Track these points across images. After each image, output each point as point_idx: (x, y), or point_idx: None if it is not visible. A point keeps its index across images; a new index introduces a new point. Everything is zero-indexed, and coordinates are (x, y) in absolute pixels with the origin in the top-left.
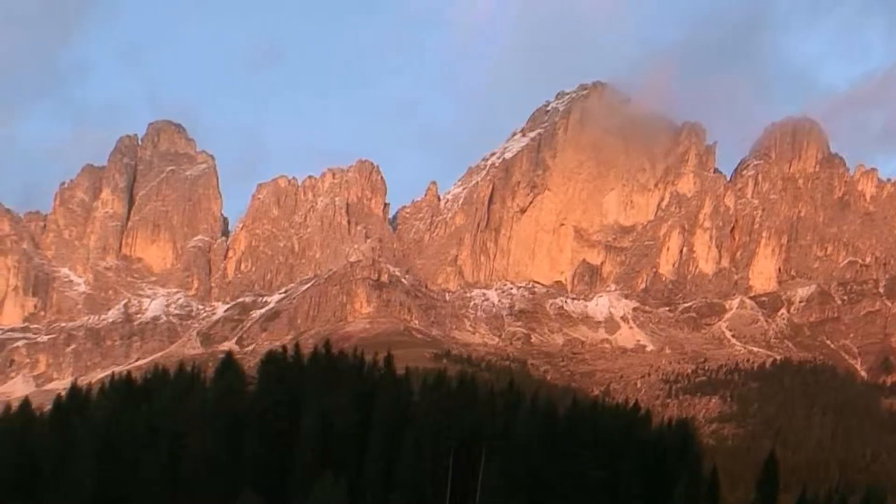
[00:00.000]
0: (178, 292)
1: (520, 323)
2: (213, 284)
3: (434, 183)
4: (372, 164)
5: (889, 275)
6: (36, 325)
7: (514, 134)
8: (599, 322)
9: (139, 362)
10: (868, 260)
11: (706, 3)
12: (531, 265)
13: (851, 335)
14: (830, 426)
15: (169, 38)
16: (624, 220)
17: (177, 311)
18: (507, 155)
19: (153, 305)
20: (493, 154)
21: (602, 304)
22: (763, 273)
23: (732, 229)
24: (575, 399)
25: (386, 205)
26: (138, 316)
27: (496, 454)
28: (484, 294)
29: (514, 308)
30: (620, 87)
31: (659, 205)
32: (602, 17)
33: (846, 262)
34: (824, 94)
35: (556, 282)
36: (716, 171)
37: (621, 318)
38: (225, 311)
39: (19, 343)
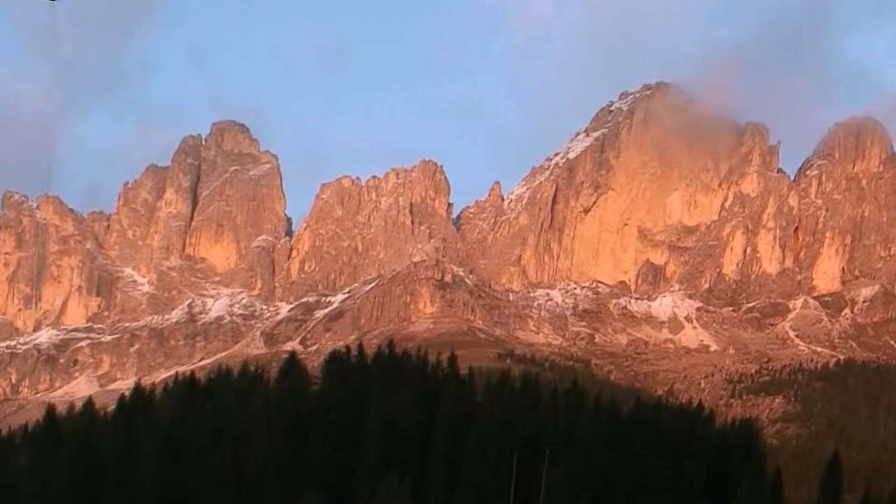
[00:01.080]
0: (241, 292)
1: (583, 323)
2: (276, 284)
3: (498, 183)
4: (436, 163)
5: None
6: (100, 325)
7: (578, 134)
8: (663, 322)
9: (203, 362)
10: None
11: (770, 3)
12: (595, 265)
13: None
14: (894, 426)
15: (233, 37)
16: (688, 220)
17: (240, 311)
18: (571, 155)
19: (217, 305)
20: (556, 154)
21: (666, 304)
22: (827, 273)
23: (796, 229)
24: (638, 399)
25: (450, 205)
26: (202, 316)
27: (560, 454)
28: (548, 294)
29: (577, 308)
30: (684, 87)
31: (723, 205)
32: (666, 16)
33: None
34: (888, 94)
35: (620, 282)
36: (779, 171)
37: (685, 318)
38: (289, 311)
39: (83, 343)
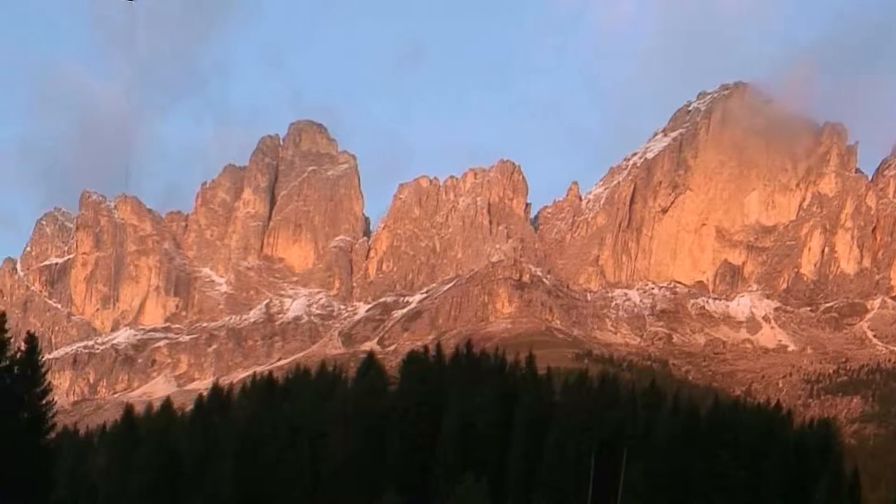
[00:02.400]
0: (319, 292)
1: (661, 323)
2: (354, 284)
3: (576, 183)
4: (514, 163)
5: None
6: (177, 325)
7: (656, 134)
8: (741, 322)
9: (281, 362)
10: None
11: (848, 3)
12: (673, 265)
13: None
14: None
15: (311, 38)
16: (765, 220)
17: (318, 311)
18: (649, 155)
19: (295, 305)
20: (634, 154)
21: (744, 304)
22: None
23: (874, 229)
24: (716, 399)
25: (527, 205)
26: (280, 316)
27: (638, 454)
28: (625, 294)
29: (655, 308)
30: (762, 87)
31: (800, 205)
32: (744, 16)
33: None
34: None
35: (698, 282)
36: (857, 171)
37: (763, 318)
38: (367, 311)
39: (161, 343)
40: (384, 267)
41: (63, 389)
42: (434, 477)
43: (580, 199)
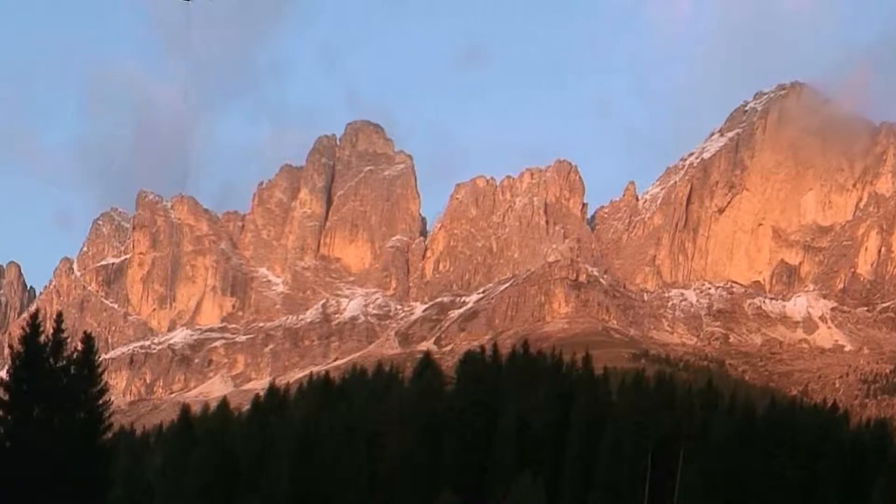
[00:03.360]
0: (376, 292)
1: (718, 323)
2: (411, 284)
3: (632, 183)
4: (570, 163)
5: None
6: (234, 325)
7: (713, 134)
8: (797, 322)
9: (337, 362)
10: None
11: None
12: (729, 265)
13: None
14: None
15: (367, 37)
16: (822, 220)
17: (375, 311)
18: (706, 155)
19: (351, 305)
20: (691, 154)
21: (800, 304)
22: None
23: None
24: (773, 399)
25: (584, 205)
26: (336, 316)
27: (694, 454)
28: (682, 294)
29: (712, 308)
30: (819, 87)
31: (857, 205)
32: (801, 17)
33: None
34: None
35: (755, 282)
36: None
37: (819, 318)
38: (423, 311)
39: (217, 343)
40: (441, 267)
41: (120, 389)
42: (490, 477)
43: (637, 199)
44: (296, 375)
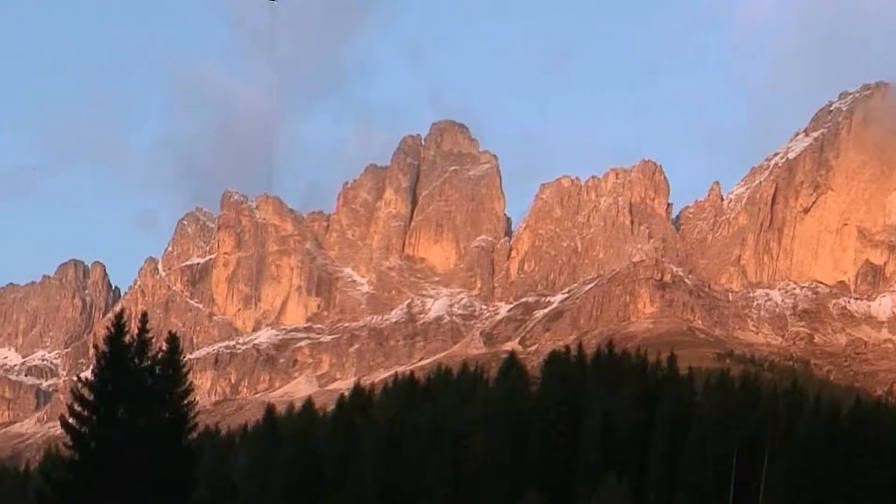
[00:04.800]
0: (461, 292)
1: (803, 323)
2: (496, 284)
3: (717, 183)
4: (655, 163)
5: None
6: (319, 325)
7: (798, 134)
8: (882, 322)
9: (422, 362)
10: None
11: None
12: (814, 265)
13: None
14: None
15: (452, 36)
16: None
17: (460, 311)
18: (791, 155)
19: (436, 305)
20: (776, 154)
21: (885, 304)
22: None
23: None
24: (858, 399)
25: (669, 205)
26: (421, 316)
27: (779, 454)
28: (767, 294)
29: (797, 308)
30: None
31: None
32: (885, 15)
33: None
34: None
35: (839, 282)
36: None
37: None
38: (508, 311)
39: (302, 343)
40: (526, 267)
41: (204, 389)
42: (575, 477)
43: (722, 199)
44: (381, 375)
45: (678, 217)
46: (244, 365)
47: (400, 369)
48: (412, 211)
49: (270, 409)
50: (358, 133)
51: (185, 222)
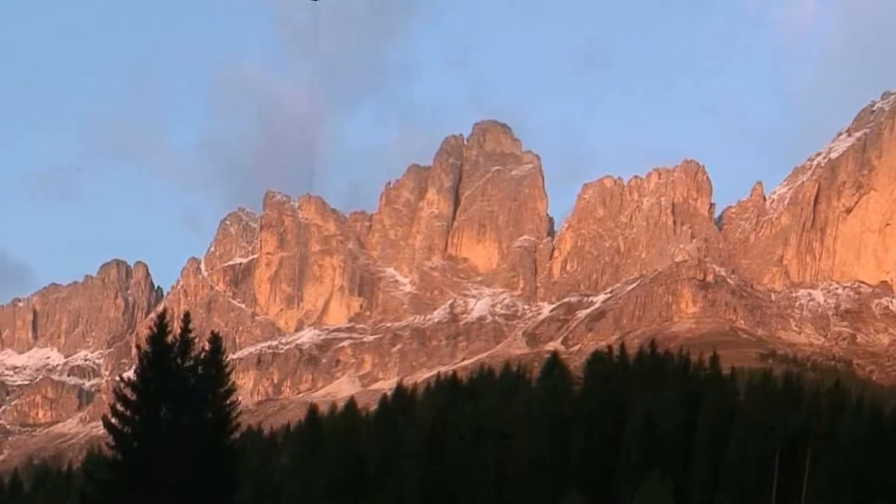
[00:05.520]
0: (503, 292)
1: (845, 323)
2: (538, 284)
3: (760, 183)
4: (698, 163)
5: None
6: (362, 325)
7: (840, 134)
8: None
9: (464, 362)
10: None
11: None
12: (857, 265)
13: None
14: None
15: (495, 36)
16: None
17: (502, 311)
18: (833, 155)
19: (479, 305)
20: (818, 154)
21: None
22: None
23: None
24: None
25: (712, 205)
26: (464, 316)
27: (822, 454)
28: (809, 294)
29: (839, 308)
30: None
31: None
32: None
33: None
34: None
35: (882, 282)
36: None
37: None
38: (551, 310)
39: (345, 343)
40: (568, 267)
41: (247, 389)
42: (617, 477)
43: (764, 199)
44: (423, 375)
45: (721, 217)
46: (287, 365)
47: (442, 369)
48: (455, 211)
49: (313, 409)
50: (400, 133)
51: (228, 222)
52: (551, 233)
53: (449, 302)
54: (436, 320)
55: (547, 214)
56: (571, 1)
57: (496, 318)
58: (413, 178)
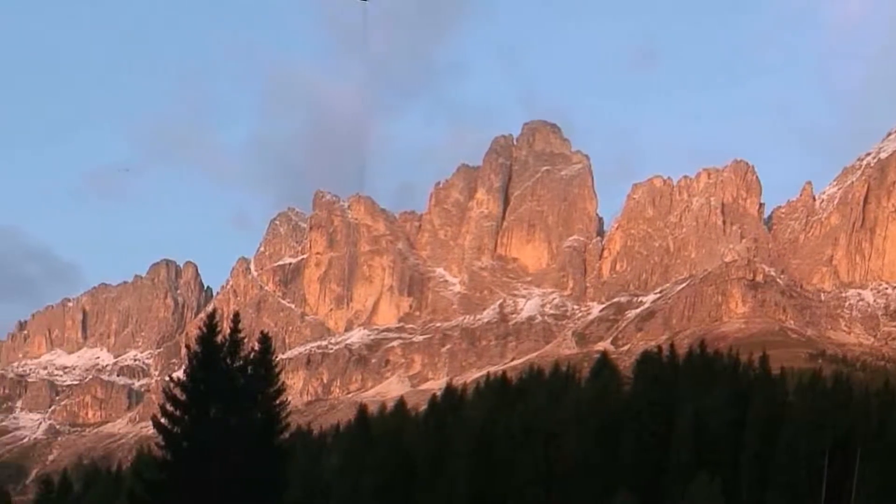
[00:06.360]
0: (553, 292)
1: (895, 323)
2: (588, 284)
3: (809, 183)
4: (747, 163)
5: None
6: (411, 325)
7: (890, 134)
8: None
9: (514, 362)
10: None
11: None
12: None
13: None
14: None
15: (545, 36)
16: None
17: (552, 311)
18: (883, 155)
19: (528, 305)
20: (868, 154)
21: None
22: None
23: None
24: None
25: (761, 205)
26: (513, 316)
27: (871, 454)
28: (859, 294)
29: (889, 308)
30: None
31: None
32: None
33: None
34: None
35: None
36: None
37: None
38: (600, 310)
39: (394, 343)
40: (618, 267)
41: (297, 389)
42: (667, 477)
43: (814, 198)
44: (473, 375)
45: (770, 217)
46: (336, 365)
47: (492, 369)
48: (504, 211)
49: (362, 409)
50: (450, 133)
51: (277, 222)
52: (601, 233)
53: (498, 302)
54: (485, 320)
55: (596, 214)
56: (621, 0)
57: (546, 318)
58: (462, 178)
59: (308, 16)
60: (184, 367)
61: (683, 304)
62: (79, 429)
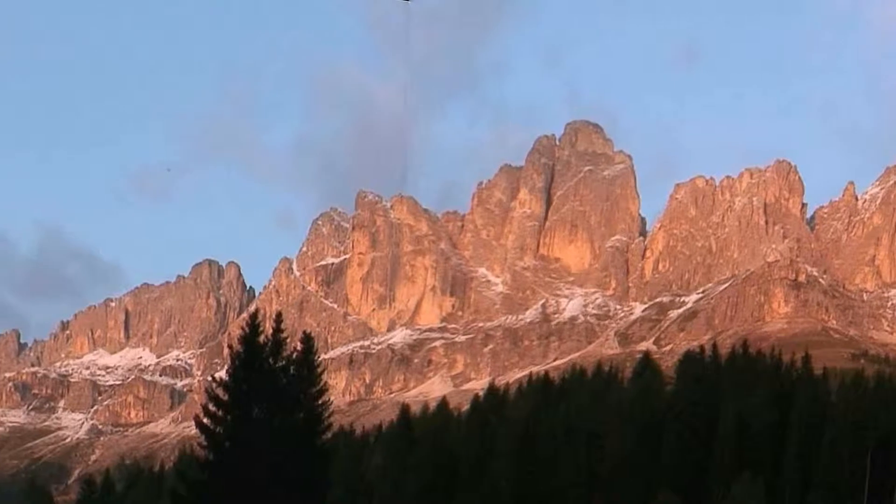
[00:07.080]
0: (595, 292)
1: None
2: (630, 284)
3: (852, 183)
4: (790, 163)
5: None
6: (454, 325)
7: None
8: None
9: (556, 362)
10: None
11: None
12: None
13: None
14: None
15: (588, 37)
16: None
17: (594, 311)
18: None
19: (571, 305)
20: None
21: None
22: None
23: None
24: None
25: (804, 205)
26: (556, 316)
27: None
28: None
29: None
30: None
31: None
32: None
33: None
34: None
35: None
36: None
37: None
38: (643, 310)
39: (437, 343)
40: (660, 267)
41: (339, 389)
42: (709, 477)
43: (856, 198)
44: (515, 375)
45: (813, 217)
46: (379, 365)
47: (534, 369)
48: (547, 211)
49: (405, 409)
50: (493, 133)
51: (320, 222)
52: (643, 233)
53: (541, 302)
54: (528, 320)
55: (639, 214)
56: (665, 0)
57: (588, 318)
58: (505, 178)
59: (352, 16)
60: (226, 367)
61: (726, 305)
62: (121, 429)
